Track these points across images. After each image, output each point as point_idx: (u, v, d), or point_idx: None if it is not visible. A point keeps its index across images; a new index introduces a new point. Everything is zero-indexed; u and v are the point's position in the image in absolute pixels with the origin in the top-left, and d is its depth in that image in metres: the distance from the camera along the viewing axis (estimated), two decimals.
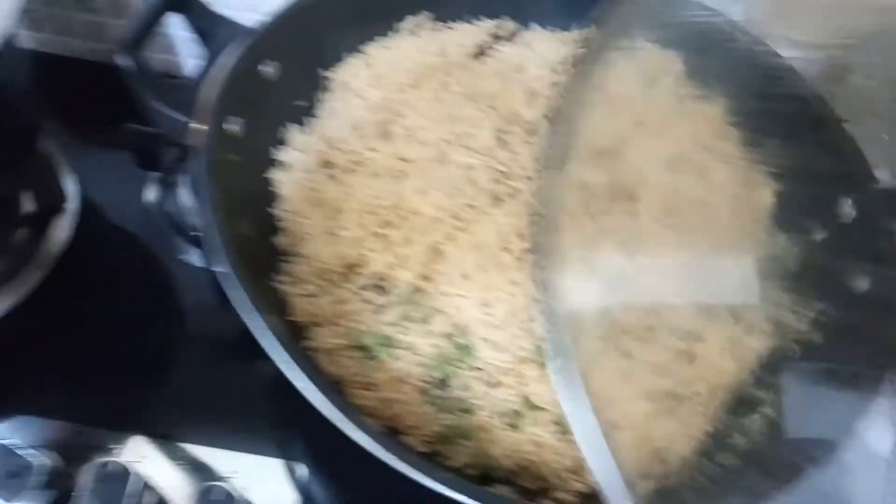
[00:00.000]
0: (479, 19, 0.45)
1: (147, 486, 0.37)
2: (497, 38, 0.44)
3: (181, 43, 0.52)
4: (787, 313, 0.38)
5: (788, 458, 0.33)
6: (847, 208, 0.38)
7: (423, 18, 0.44)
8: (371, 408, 0.30)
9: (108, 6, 0.52)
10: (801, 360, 0.37)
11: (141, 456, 0.40)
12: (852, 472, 0.33)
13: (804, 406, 0.36)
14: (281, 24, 0.35)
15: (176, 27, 0.42)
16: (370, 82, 0.42)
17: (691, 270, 0.38)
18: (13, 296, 0.45)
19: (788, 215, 0.40)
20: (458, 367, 0.32)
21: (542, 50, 0.44)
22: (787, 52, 0.44)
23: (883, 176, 0.39)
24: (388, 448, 0.26)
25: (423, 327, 0.33)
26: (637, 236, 0.38)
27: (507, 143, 0.38)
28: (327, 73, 0.42)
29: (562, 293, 0.28)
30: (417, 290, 0.33)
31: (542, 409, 0.31)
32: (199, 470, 0.40)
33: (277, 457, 0.41)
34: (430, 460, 0.29)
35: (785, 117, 0.40)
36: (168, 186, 0.51)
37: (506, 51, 0.44)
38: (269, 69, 0.37)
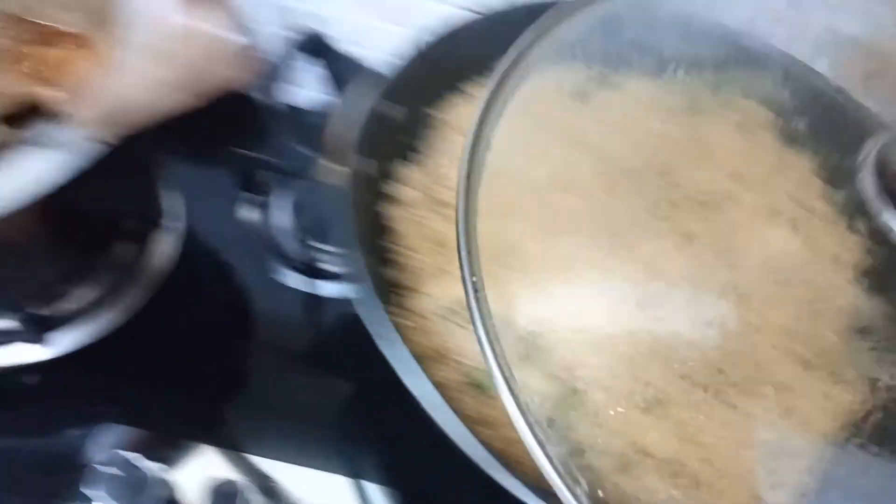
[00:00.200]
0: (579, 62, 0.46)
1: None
2: (598, 81, 0.46)
3: (299, 73, 0.55)
4: (880, 374, 0.38)
5: None
6: None
7: None
8: (491, 446, 0.31)
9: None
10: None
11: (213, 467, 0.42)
12: None
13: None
14: (412, 68, 0.37)
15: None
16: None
17: (786, 323, 0.39)
18: (118, 313, 0.47)
19: (882, 275, 0.40)
20: (568, 408, 0.33)
21: (641, 96, 0.45)
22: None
23: None
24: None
25: (534, 366, 0.34)
26: (734, 287, 0.39)
27: (612, 189, 0.40)
28: (433, 112, 0.44)
29: None
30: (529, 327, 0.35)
31: (653, 455, 0.32)
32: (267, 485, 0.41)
33: (349, 476, 0.43)
34: None
35: None
36: (264, 208, 0.53)
37: (607, 94, 0.45)
38: (397, 112, 0.38)
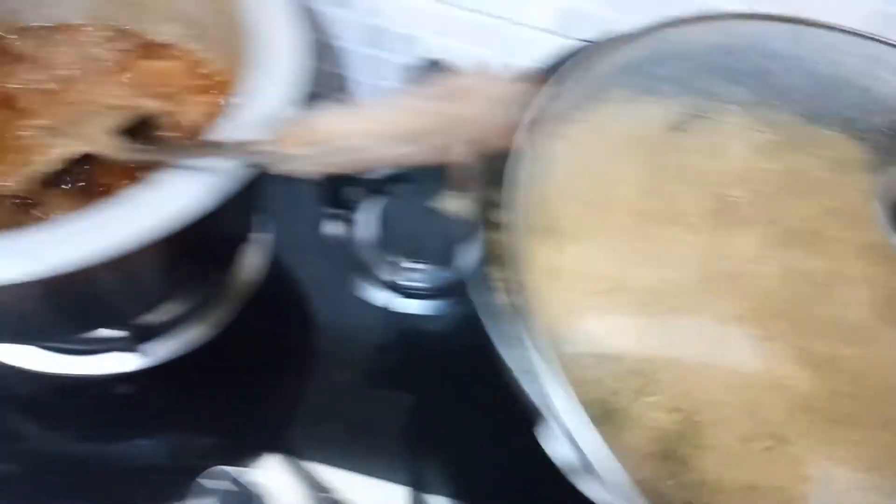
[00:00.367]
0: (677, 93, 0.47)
1: None
2: (695, 115, 0.46)
3: None
4: None
5: None
6: None
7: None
8: None
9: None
10: None
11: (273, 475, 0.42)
12: None
13: None
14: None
15: None
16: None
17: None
18: (208, 325, 0.47)
19: None
20: (686, 443, 0.34)
21: (736, 128, 0.46)
22: None
23: None
24: None
25: (648, 398, 0.34)
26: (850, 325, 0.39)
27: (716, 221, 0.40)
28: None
29: None
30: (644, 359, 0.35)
31: (770, 490, 0.32)
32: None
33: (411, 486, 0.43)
34: None
35: None
36: (350, 223, 0.54)
37: (703, 126, 0.46)
38: None
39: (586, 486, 0.31)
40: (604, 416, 0.35)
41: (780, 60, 0.47)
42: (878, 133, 0.45)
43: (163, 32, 0.48)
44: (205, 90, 0.46)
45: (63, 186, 0.40)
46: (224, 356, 0.48)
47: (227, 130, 0.36)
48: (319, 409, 0.47)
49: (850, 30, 0.46)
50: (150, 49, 0.48)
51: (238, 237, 0.47)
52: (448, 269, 0.51)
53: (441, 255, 0.52)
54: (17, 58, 0.46)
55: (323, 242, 0.53)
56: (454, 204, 0.35)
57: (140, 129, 0.41)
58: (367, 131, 0.29)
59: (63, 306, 0.39)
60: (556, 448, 0.31)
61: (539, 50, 0.47)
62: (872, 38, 0.46)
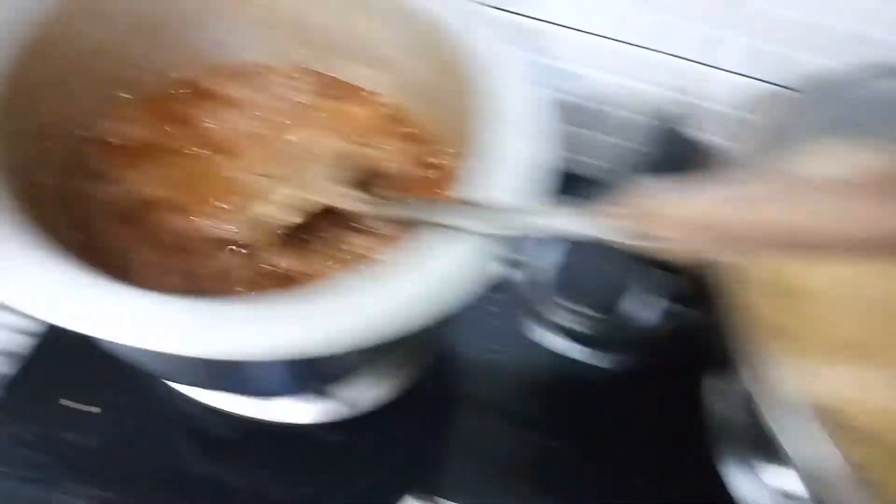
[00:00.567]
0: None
1: None
2: None
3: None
4: None
5: None
6: None
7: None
8: None
9: (618, 129, 0.54)
10: None
11: None
12: None
13: None
14: None
15: None
16: None
17: None
18: (410, 372, 0.46)
19: None
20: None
21: None
22: None
23: None
24: None
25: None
26: None
27: None
28: None
29: None
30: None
31: None
32: None
33: None
34: None
35: None
36: (523, 267, 0.53)
37: None
38: None
39: None
40: None
41: None
42: None
43: (360, 77, 0.47)
44: (404, 138, 0.45)
45: (288, 238, 0.39)
46: (422, 406, 0.47)
47: (481, 190, 0.35)
48: (483, 452, 0.47)
49: None
50: (343, 92, 0.47)
51: None
52: (620, 319, 0.50)
53: (612, 305, 0.51)
54: (218, 99, 0.45)
55: (498, 285, 0.52)
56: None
57: (362, 181, 0.40)
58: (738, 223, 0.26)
59: (281, 373, 0.38)
60: None
61: (732, 92, 0.46)
62: None
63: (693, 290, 0.49)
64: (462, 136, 0.39)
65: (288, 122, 0.44)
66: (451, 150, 0.43)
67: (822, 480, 0.33)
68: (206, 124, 0.44)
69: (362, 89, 0.47)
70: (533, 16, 0.51)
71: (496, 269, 0.53)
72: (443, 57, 0.41)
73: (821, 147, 0.45)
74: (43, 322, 0.37)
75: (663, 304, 0.50)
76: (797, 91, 0.45)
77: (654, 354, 0.49)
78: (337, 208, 0.38)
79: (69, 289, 0.28)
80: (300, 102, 0.46)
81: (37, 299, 0.27)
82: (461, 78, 0.40)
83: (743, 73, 0.49)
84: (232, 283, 0.38)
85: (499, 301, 0.52)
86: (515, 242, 0.53)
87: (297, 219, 0.38)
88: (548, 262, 0.54)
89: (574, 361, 0.51)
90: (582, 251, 0.54)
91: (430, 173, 0.43)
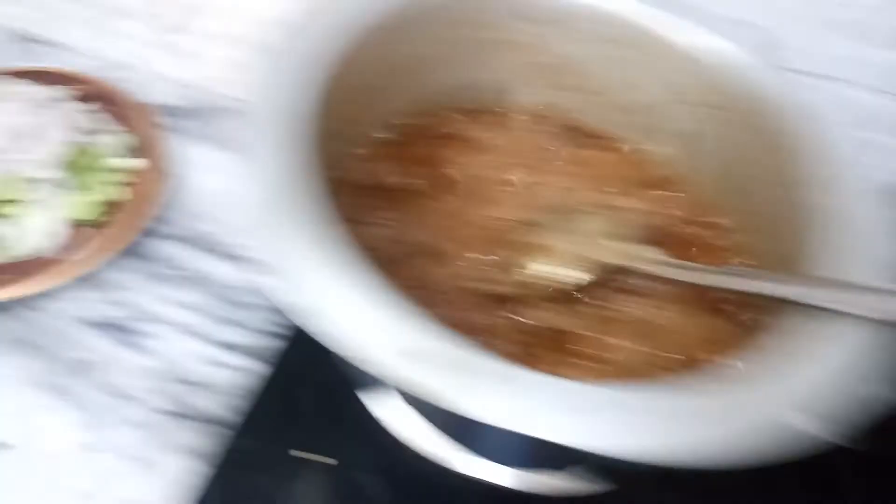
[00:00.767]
0: None
1: None
2: None
3: None
4: None
5: None
6: None
7: None
8: None
9: None
10: None
11: None
12: None
13: None
14: None
15: None
16: None
17: None
18: None
19: None
20: None
21: None
22: None
23: None
24: None
25: None
26: None
27: None
28: None
29: None
30: None
31: None
32: None
33: None
34: None
35: None
36: None
37: None
38: None
39: None
40: None
41: None
42: None
43: (614, 123, 0.43)
44: (665, 193, 0.40)
45: (557, 294, 0.34)
46: None
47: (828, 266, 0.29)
48: None
49: None
50: (597, 139, 0.43)
51: None
52: None
53: None
54: (470, 143, 0.41)
55: None
56: None
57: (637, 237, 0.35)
58: None
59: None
60: None
61: None
62: None
63: None
64: (758, 202, 0.34)
65: (537, 166, 0.41)
66: (724, 212, 0.38)
67: None
68: (454, 167, 0.40)
69: (615, 137, 0.43)
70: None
71: None
72: (736, 113, 0.37)
73: None
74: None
75: None
76: None
77: None
78: (625, 267, 0.33)
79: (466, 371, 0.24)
80: (549, 147, 0.42)
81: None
82: (765, 142, 0.35)
83: None
84: (496, 339, 0.33)
85: None
86: None
87: (583, 278, 0.33)
88: None
89: None
90: None
91: (707, 234, 0.38)
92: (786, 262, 0.31)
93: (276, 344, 0.49)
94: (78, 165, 0.54)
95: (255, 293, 0.52)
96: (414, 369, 0.23)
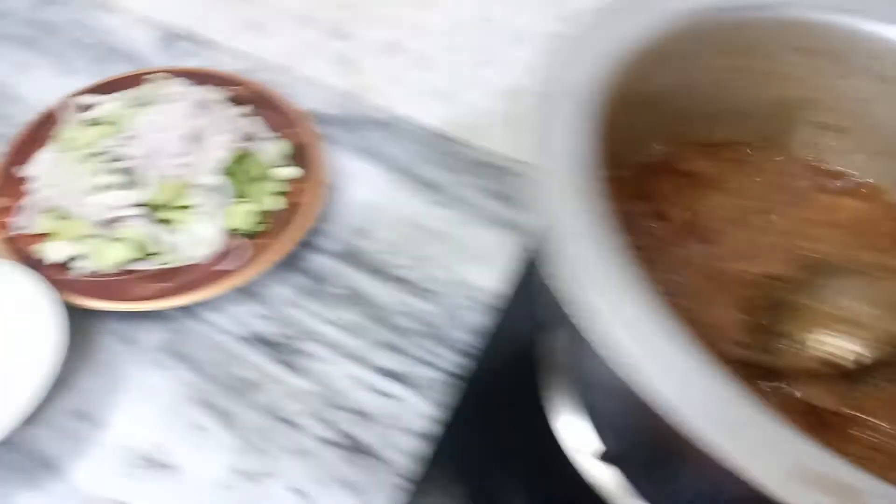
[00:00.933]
0: None
1: None
2: None
3: None
4: None
5: None
6: None
7: None
8: None
9: None
10: None
11: None
12: None
13: None
14: None
15: None
16: None
17: None
18: None
19: None
20: None
21: None
22: None
23: None
24: None
25: None
26: None
27: None
28: None
29: None
30: None
31: None
32: None
33: None
34: None
35: None
36: None
37: None
38: None
39: None
40: None
41: None
42: None
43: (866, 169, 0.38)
44: None
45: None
46: None
47: None
48: None
49: None
50: (857, 189, 0.38)
51: None
52: None
53: None
54: (713, 182, 0.37)
55: None
56: None
57: None
58: None
59: None
60: None
61: None
62: None
63: None
64: None
65: (791, 213, 0.36)
66: None
67: None
68: (696, 208, 0.36)
69: (880, 186, 0.38)
70: None
71: None
72: None
73: None
74: None
75: None
76: None
77: None
78: None
79: None
80: (804, 193, 0.37)
81: None
82: None
83: None
84: None
85: None
86: None
87: (864, 354, 0.28)
88: None
89: None
90: None
91: None
92: None
93: (438, 376, 0.46)
94: (237, 172, 0.51)
95: (413, 318, 0.49)
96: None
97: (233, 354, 0.47)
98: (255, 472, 0.42)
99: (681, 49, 0.34)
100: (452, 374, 0.46)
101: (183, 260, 0.48)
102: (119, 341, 0.47)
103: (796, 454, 0.20)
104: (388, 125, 0.61)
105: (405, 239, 0.53)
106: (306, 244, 0.52)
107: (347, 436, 0.44)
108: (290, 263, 0.51)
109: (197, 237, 0.48)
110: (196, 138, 0.51)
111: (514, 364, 0.42)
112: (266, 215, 0.51)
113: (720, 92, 0.37)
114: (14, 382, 0.42)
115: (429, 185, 0.57)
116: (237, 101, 0.58)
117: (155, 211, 0.49)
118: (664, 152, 0.37)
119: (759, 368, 0.30)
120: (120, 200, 0.48)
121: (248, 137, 0.54)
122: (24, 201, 0.51)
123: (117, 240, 0.48)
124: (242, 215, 0.50)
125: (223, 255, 0.49)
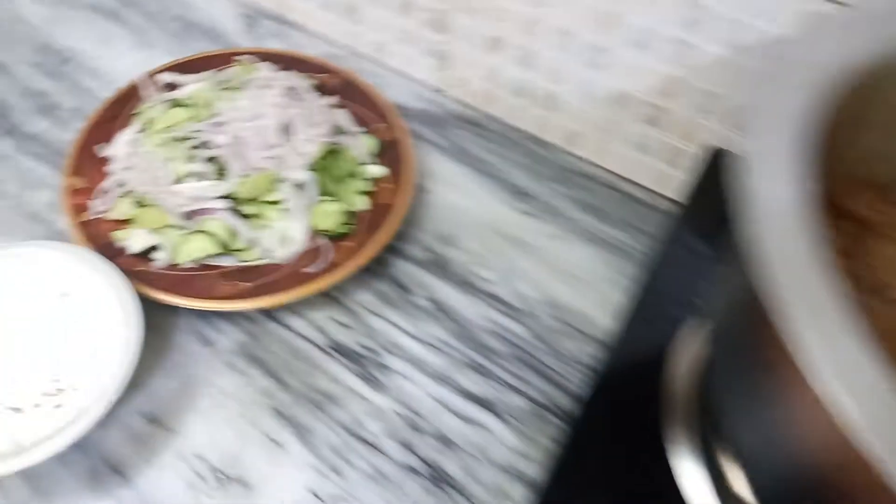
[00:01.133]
0: None
1: None
2: None
3: None
4: None
5: None
6: None
7: None
8: None
9: None
10: None
11: None
12: None
13: None
14: None
15: None
16: None
17: None
18: None
19: None
20: None
21: None
22: None
23: None
24: None
25: None
26: None
27: None
28: None
29: None
30: None
31: None
32: None
33: None
34: None
35: None
36: None
37: None
38: None
39: None
40: None
41: None
42: None
43: None
44: None
45: None
46: None
47: None
48: None
49: None
50: None
51: None
52: None
53: None
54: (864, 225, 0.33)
55: None
56: None
57: None
58: None
59: None
60: None
61: None
62: None
63: None
64: None
65: None
66: None
67: None
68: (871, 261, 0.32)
69: None
70: None
71: None
72: None
73: None
74: None
75: None
76: None
77: None
78: None
79: None
80: None
81: None
82: None
83: None
84: None
85: None
86: None
87: None
88: None
89: None
90: None
91: None
92: None
93: (526, 405, 0.43)
94: (326, 168, 0.48)
95: (500, 339, 0.46)
96: None
97: (312, 363, 0.44)
98: (333, 496, 0.39)
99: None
100: (541, 405, 0.43)
101: (265, 258, 0.46)
102: (195, 341, 0.45)
103: None
104: (479, 125, 0.57)
105: (492, 249, 0.49)
106: (390, 248, 0.49)
107: (429, 464, 0.41)
108: (372, 268, 0.48)
109: (281, 236, 0.46)
110: (285, 129, 0.48)
111: (630, 407, 0.38)
112: (351, 216, 0.48)
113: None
114: (88, 382, 0.39)
115: (519, 192, 0.53)
116: (323, 90, 0.54)
117: (239, 205, 0.46)
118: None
119: None
120: (205, 191, 0.45)
121: (338, 131, 0.51)
122: (103, 184, 0.48)
123: (199, 232, 0.45)
124: (330, 215, 0.47)
125: (306, 257, 0.46)
